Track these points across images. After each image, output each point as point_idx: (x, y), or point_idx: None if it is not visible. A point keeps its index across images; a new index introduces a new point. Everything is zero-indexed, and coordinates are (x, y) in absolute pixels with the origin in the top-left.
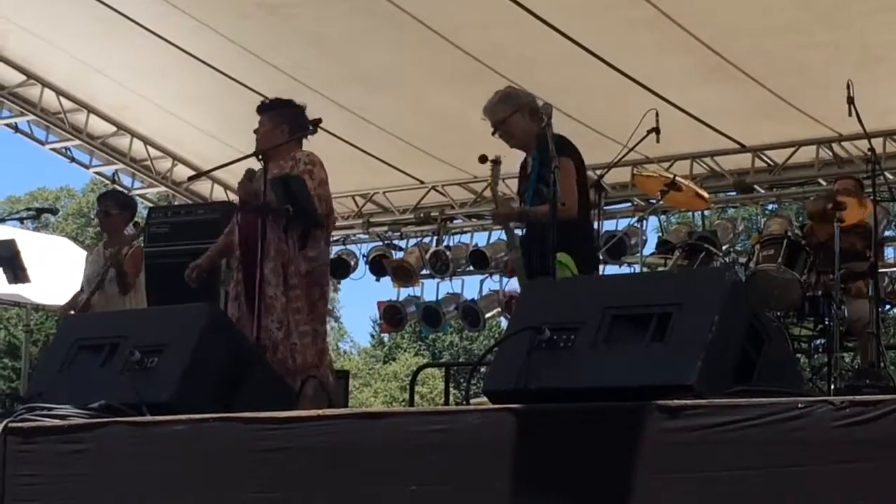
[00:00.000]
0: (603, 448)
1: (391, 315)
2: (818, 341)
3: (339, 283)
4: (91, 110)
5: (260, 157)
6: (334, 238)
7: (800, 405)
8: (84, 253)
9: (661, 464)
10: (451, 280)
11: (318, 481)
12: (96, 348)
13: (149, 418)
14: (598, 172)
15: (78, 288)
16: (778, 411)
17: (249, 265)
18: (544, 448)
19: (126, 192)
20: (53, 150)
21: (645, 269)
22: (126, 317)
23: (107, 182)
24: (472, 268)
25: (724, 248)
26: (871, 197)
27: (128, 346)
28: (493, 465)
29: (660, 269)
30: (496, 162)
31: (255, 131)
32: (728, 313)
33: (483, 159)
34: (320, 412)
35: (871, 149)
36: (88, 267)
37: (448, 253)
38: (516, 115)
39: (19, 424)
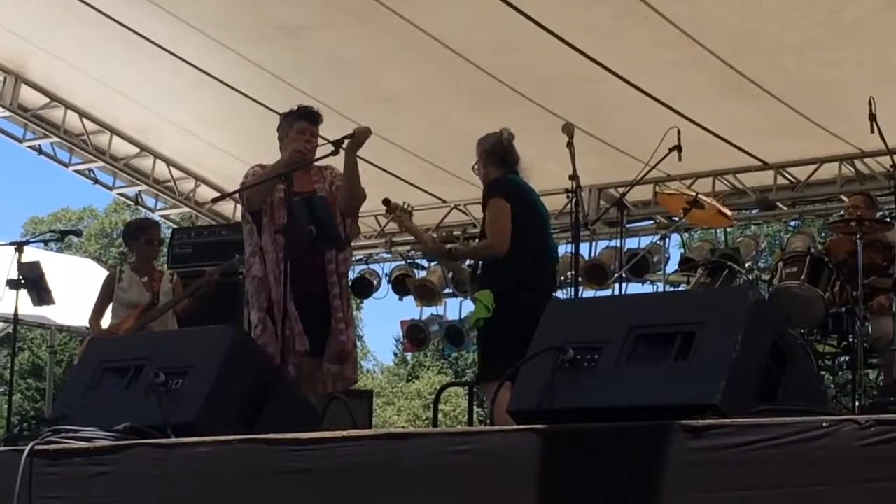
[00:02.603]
0: (627, 468)
1: (414, 334)
2: (842, 358)
3: (361, 302)
4: (114, 132)
5: (283, 177)
6: (357, 258)
7: (825, 424)
8: (106, 273)
9: (686, 484)
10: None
11: (343, 502)
12: (121, 370)
13: (174, 440)
14: (621, 191)
15: (103, 312)
16: (803, 430)
17: (302, 282)
18: (568, 468)
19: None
20: (77, 171)
21: (668, 287)
22: (150, 339)
23: (130, 203)
24: None
25: (746, 265)
26: (891, 212)
27: (152, 368)
28: (517, 486)
29: (683, 286)
30: (394, 209)
31: (307, 141)
32: (752, 332)
33: (387, 203)
34: (345, 433)
35: (894, 165)
36: (128, 293)
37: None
38: (481, 159)
39: (45, 446)
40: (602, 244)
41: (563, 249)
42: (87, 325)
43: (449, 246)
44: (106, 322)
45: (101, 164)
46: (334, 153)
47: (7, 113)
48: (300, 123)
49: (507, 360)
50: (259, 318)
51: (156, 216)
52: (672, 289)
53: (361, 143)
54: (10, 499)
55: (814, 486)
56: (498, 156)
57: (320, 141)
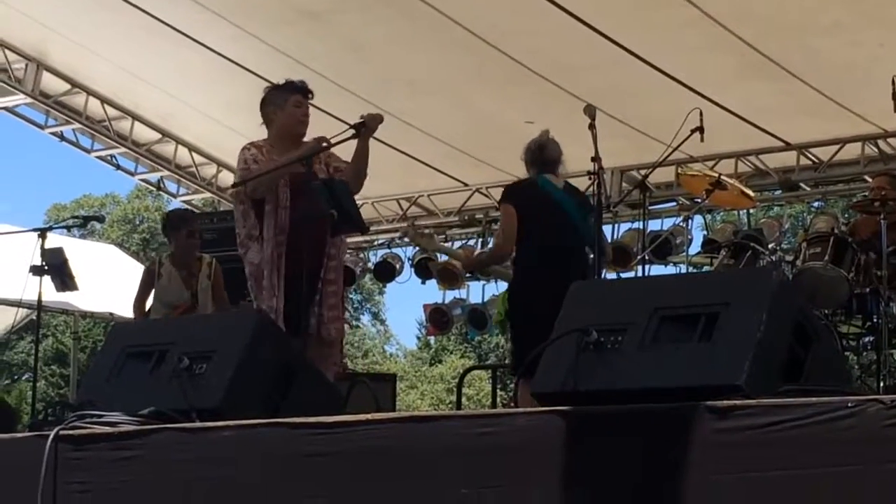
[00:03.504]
0: (652, 450)
1: (437, 318)
2: (866, 339)
3: (384, 286)
4: (136, 118)
5: (305, 162)
6: (379, 242)
7: (850, 404)
8: (130, 260)
9: (711, 465)
10: (496, 282)
11: (367, 486)
12: (145, 355)
13: (198, 424)
14: (643, 172)
15: (145, 299)
16: (828, 411)
17: (297, 258)
18: (593, 450)
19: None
20: (99, 157)
21: (691, 269)
22: (174, 324)
23: (152, 189)
24: None
25: (770, 246)
26: None
27: (176, 353)
28: (542, 468)
29: (706, 268)
30: (406, 233)
31: (305, 115)
32: (776, 312)
33: (406, 234)
34: (368, 416)
35: None
36: (167, 291)
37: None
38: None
39: (70, 432)
40: (624, 226)
41: None
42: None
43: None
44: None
45: (123, 150)
46: (355, 137)
47: (29, 100)
48: (296, 97)
49: (519, 357)
50: (269, 304)
51: (178, 202)
52: (695, 270)
53: (374, 130)
54: (35, 484)
55: (839, 467)
56: (530, 161)
57: (341, 126)
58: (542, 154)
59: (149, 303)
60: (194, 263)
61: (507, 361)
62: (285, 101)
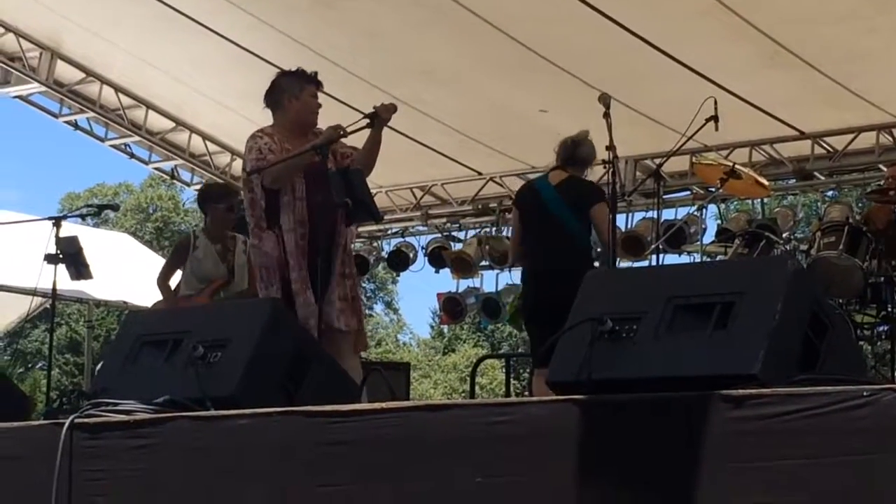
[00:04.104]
0: (667, 438)
1: (451, 307)
2: (881, 328)
3: (398, 275)
4: (150, 106)
5: (319, 151)
6: (393, 231)
7: (865, 393)
8: (144, 249)
9: (726, 453)
10: (510, 271)
11: (382, 474)
12: (159, 344)
13: (213, 413)
14: (657, 161)
15: (171, 275)
16: (843, 399)
17: (314, 249)
18: (608, 439)
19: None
20: (113, 146)
21: (705, 258)
22: (189, 312)
23: (165, 178)
24: None
25: (784, 235)
26: None
27: (191, 342)
28: (556, 457)
29: (720, 257)
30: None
31: (319, 106)
32: (791, 301)
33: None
34: (383, 405)
35: None
36: (203, 265)
37: (507, 243)
38: None
39: (85, 420)
40: (639, 215)
41: None
42: (156, 284)
43: None
44: (173, 285)
45: (137, 138)
46: (369, 126)
47: (43, 88)
48: (311, 87)
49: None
50: (305, 298)
51: (192, 191)
52: (709, 259)
53: (388, 120)
54: (51, 471)
55: (854, 456)
56: (560, 154)
57: (354, 114)
58: (575, 150)
59: (174, 281)
60: (228, 240)
61: (521, 351)
62: (301, 91)
